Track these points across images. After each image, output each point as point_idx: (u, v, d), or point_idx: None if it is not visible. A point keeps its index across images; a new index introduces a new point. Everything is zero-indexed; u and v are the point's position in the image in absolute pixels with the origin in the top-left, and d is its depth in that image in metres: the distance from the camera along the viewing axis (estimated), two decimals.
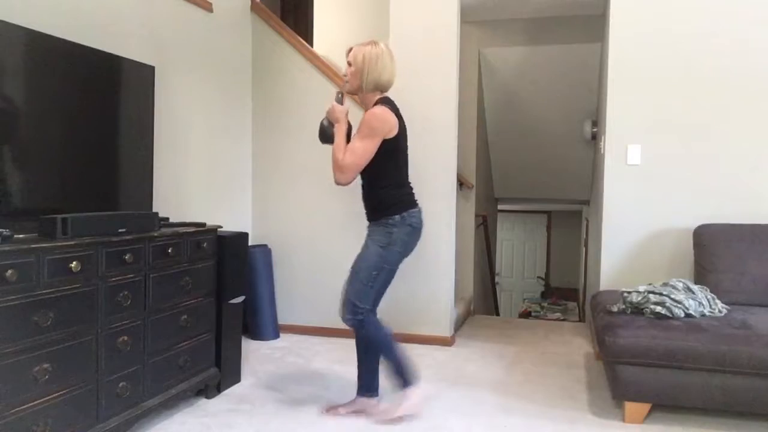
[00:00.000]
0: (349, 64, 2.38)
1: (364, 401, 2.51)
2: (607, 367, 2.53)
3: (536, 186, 6.42)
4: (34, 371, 1.77)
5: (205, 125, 3.43)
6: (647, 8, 3.26)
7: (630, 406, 2.44)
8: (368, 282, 2.32)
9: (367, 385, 2.51)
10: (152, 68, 2.64)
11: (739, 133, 3.17)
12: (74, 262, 1.90)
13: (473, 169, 4.97)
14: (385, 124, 2.28)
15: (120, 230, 2.15)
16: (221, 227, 2.76)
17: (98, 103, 2.36)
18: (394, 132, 2.31)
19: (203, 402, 2.62)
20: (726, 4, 3.17)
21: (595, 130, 4.90)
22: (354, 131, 2.40)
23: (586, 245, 6.91)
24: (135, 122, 2.55)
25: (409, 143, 2.47)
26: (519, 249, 10.46)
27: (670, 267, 3.26)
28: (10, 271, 1.69)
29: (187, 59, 3.24)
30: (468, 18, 4.67)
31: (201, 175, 3.40)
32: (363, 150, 2.27)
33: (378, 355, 2.49)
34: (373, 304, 2.37)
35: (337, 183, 2.31)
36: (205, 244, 2.59)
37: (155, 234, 2.29)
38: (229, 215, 3.69)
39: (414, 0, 3.61)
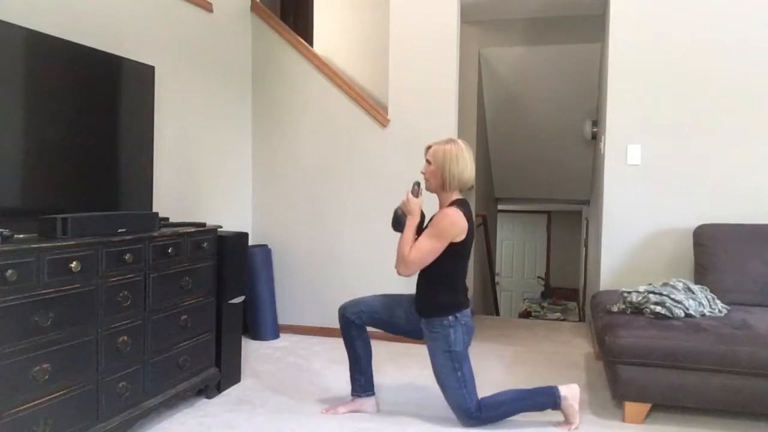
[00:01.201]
0: (429, 162, 2.37)
1: (362, 400, 2.52)
2: (607, 367, 2.53)
3: (536, 186, 6.42)
4: (34, 371, 1.77)
5: (205, 125, 3.43)
6: (647, 8, 3.26)
7: (630, 406, 2.44)
8: (459, 384, 2.32)
9: (362, 385, 2.52)
10: (152, 68, 2.64)
11: (739, 133, 3.17)
12: (74, 262, 1.90)
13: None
14: (455, 228, 2.25)
15: (120, 230, 2.14)
16: (221, 227, 2.76)
17: (98, 103, 2.36)
18: (462, 237, 2.28)
19: (203, 402, 2.62)
20: (726, 4, 3.17)
21: (595, 130, 4.90)
22: (425, 221, 2.41)
23: (586, 245, 6.91)
24: (135, 122, 2.55)
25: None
26: (519, 249, 10.46)
27: (670, 267, 3.25)
28: (10, 271, 1.69)
29: (187, 59, 3.24)
30: (468, 18, 4.67)
31: (201, 174, 3.40)
32: (430, 249, 2.25)
33: (369, 357, 2.51)
34: (476, 397, 2.35)
35: (399, 274, 2.32)
36: (205, 244, 2.58)
37: (155, 234, 2.29)
38: (229, 215, 3.69)
39: (414, 0, 3.61)
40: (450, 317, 2.32)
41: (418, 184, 2.37)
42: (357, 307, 2.46)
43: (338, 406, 2.52)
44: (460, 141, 2.37)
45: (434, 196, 2.42)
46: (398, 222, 2.38)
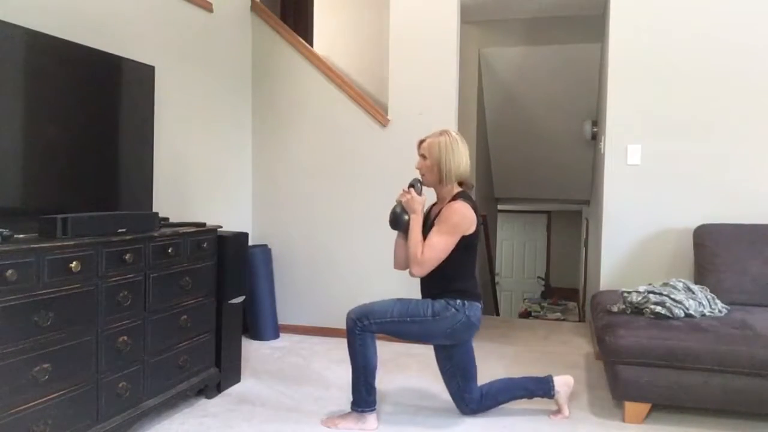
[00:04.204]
0: (424, 156, 2.33)
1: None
2: (607, 367, 2.53)
3: (536, 186, 6.42)
4: (34, 371, 1.77)
5: (205, 125, 3.43)
6: (647, 8, 3.26)
7: (630, 406, 2.44)
8: (390, 317, 2.26)
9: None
10: (152, 68, 2.64)
11: (740, 133, 3.17)
12: (74, 262, 1.90)
13: (473, 169, 4.97)
14: (466, 221, 2.24)
15: (120, 230, 2.14)
16: (221, 227, 2.76)
17: (98, 103, 2.36)
18: (473, 229, 2.27)
19: (203, 402, 2.62)
20: (725, 4, 3.17)
21: (595, 130, 4.90)
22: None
23: (586, 245, 6.91)
24: (135, 122, 2.55)
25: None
26: (519, 249, 10.46)
27: (670, 267, 3.25)
28: (10, 271, 1.69)
29: (187, 59, 3.24)
30: (468, 18, 4.67)
31: (201, 174, 3.40)
32: (443, 246, 2.22)
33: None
34: (377, 331, 2.28)
35: (413, 275, 2.27)
36: (205, 244, 2.58)
37: (155, 234, 2.29)
38: (229, 215, 3.69)
39: (414, 0, 3.61)
40: (459, 301, 2.27)
41: (419, 181, 2.34)
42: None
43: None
44: (452, 132, 2.34)
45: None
46: (397, 221, 2.33)
